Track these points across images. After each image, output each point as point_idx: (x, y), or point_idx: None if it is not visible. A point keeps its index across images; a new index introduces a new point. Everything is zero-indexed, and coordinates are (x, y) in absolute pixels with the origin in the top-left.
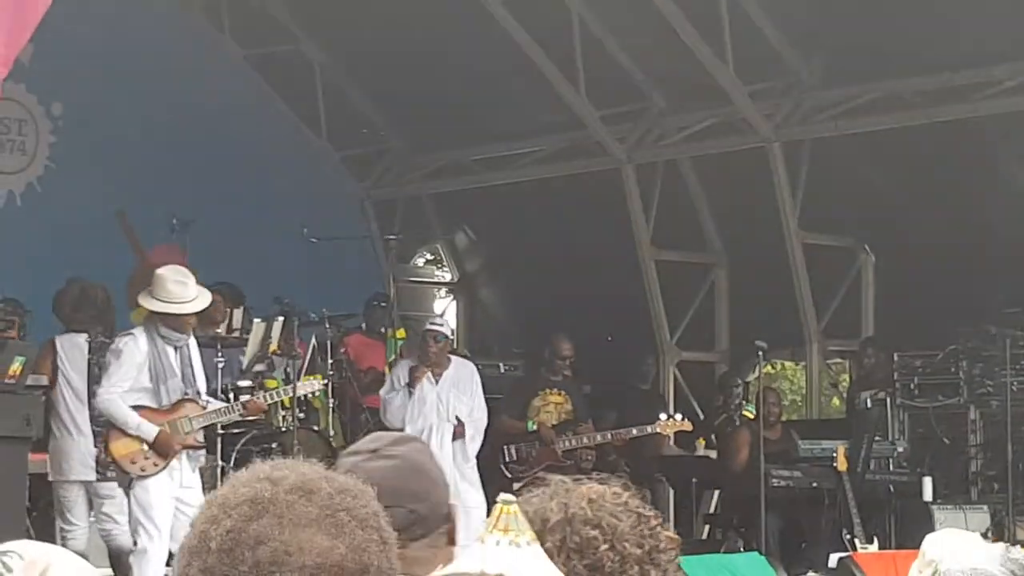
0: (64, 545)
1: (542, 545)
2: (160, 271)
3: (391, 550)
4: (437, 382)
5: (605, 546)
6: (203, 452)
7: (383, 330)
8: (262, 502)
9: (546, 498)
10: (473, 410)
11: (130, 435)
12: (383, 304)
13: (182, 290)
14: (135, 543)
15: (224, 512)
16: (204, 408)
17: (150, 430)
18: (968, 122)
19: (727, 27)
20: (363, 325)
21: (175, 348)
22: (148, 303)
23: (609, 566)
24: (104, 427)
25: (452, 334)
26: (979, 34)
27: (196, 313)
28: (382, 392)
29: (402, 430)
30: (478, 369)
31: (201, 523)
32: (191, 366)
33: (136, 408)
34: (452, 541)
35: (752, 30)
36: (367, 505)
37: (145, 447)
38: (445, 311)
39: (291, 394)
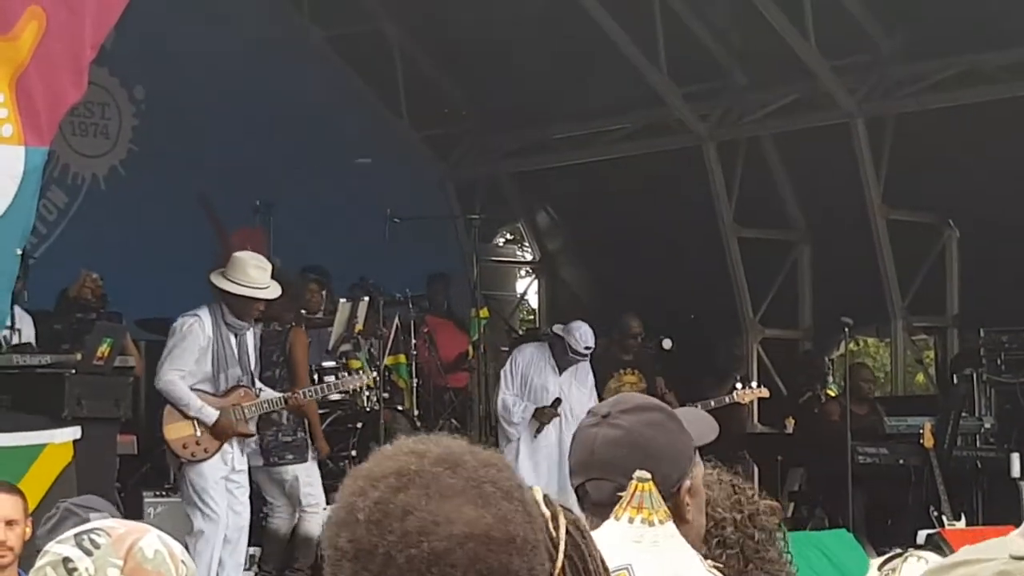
0: (264, 523)
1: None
2: (240, 254)
3: (535, 522)
4: (560, 373)
5: None
6: (253, 439)
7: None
8: (408, 474)
9: None
10: (592, 401)
11: (183, 419)
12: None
13: (260, 275)
14: (192, 525)
15: (371, 484)
16: (257, 396)
17: (211, 414)
18: None
19: (809, 2)
20: (427, 303)
21: (236, 335)
22: (222, 283)
23: (705, 528)
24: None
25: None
26: None
27: (267, 301)
28: (501, 388)
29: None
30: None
31: (348, 495)
32: (248, 354)
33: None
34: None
35: (834, 5)
36: (511, 478)
37: (198, 432)
38: (527, 290)
39: (334, 392)
